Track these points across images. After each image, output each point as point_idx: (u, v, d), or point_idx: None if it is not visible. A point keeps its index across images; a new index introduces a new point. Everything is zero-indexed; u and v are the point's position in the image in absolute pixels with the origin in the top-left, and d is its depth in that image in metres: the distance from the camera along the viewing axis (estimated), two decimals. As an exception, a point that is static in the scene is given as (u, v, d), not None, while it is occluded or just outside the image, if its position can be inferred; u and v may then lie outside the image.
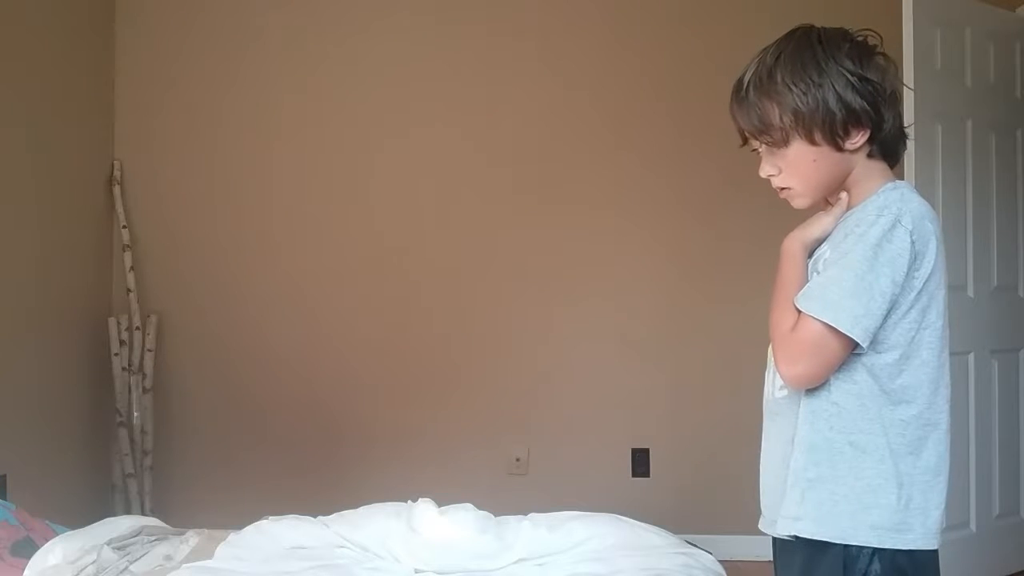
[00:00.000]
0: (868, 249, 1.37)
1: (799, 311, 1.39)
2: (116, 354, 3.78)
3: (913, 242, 1.40)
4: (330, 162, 3.94)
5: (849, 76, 1.43)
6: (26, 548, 2.23)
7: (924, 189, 3.15)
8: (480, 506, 2.37)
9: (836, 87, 1.43)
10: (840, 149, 1.45)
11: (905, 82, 3.10)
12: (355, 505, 2.44)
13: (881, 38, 1.51)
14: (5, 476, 3.05)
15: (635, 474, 3.80)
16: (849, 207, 1.49)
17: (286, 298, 3.92)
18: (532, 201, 3.88)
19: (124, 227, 3.89)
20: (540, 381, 3.85)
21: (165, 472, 3.86)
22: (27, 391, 3.35)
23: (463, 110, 3.92)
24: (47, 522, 2.46)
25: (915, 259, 1.41)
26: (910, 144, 3.35)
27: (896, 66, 1.51)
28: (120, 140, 3.97)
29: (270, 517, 2.39)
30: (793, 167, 1.47)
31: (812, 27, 1.54)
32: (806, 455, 1.42)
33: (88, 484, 3.72)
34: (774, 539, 1.51)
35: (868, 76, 1.44)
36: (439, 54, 3.93)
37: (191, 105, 3.96)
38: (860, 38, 1.50)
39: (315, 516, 2.39)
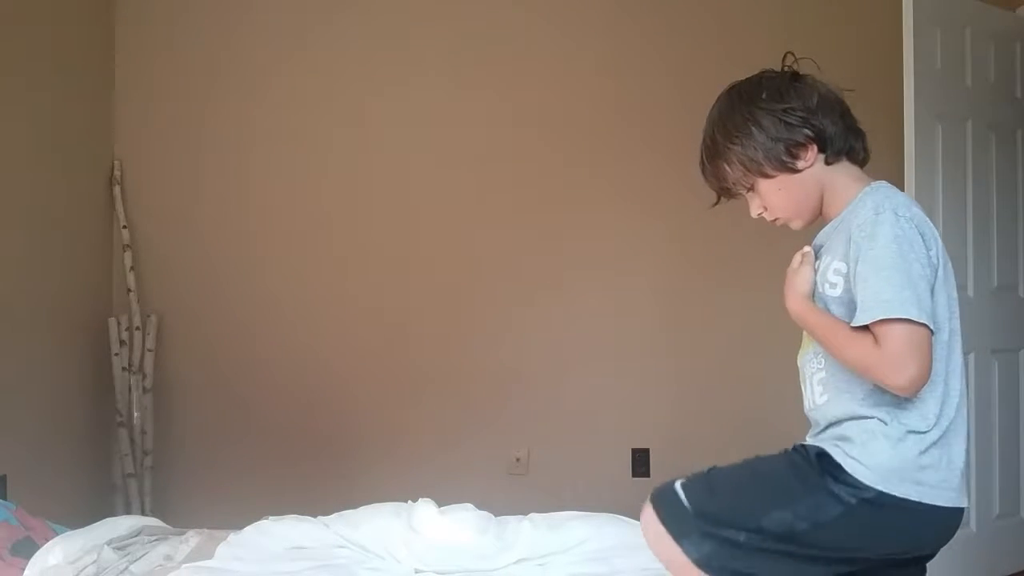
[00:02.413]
0: (890, 243, 1.48)
1: (868, 329, 1.46)
2: (116, 354, 3.78)
3: (916, 226, 1.51)
4: (330, 162, 3.94)
5: (772, 114, 1.62)
6: (26, 548, 2.23)
7: (924, 189, 3.15)
8: (480, 506, 2.37)
9: (765, 128, 1.62)
10: (797, 171, 1.62)
11: (905, 82, 3.12)
12: (355, 505, 2.44)
13: (796, 58, 1.70)
14: (5, 476, 3.05)
15: (635, 474, 3.80)
16: (832, 213, 1.63)
17: (286, 298, 3.91)
18: (532, 201, 3.88)
19: (124, 227, 3.89)
20: (540, 381, 3.85)
21: (165, 472, 3.86)
22: (27, 391, 3.35)
23: (463, 111, 3.91)
24: (47, 522, 2.46)
25: (925, 240, 1.51)
26: (910, 144, 3.36)
27: (813, 77, 1.68)
28: (120, 140, 3.97)
29: (270, 517, 2.39)
30: (770, 201, 1.67)
31: (731, 87, 1.73)
32: None
33: (88, 484, 3.72)
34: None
35: (789, 105, 1.62)
36: (439, 54, 3.93)
37: (191, 105, 3.96)
38: (774, 75, 1.68)
39: (315, 516, 2.39)
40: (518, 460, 3.85)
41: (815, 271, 1.61)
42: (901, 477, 1.49)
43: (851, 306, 1.52)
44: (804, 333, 1.66)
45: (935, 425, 1.51)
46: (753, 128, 1.62)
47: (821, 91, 1.65)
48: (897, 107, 3.18)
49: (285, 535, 2.30)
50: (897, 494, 1.48)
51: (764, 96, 1.64)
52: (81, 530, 2.33)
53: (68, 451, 3.62)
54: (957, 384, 1.55)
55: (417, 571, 2.18)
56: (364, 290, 3.91)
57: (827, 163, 1.63)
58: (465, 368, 3.87)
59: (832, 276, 1.55)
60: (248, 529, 2.32)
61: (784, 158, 1.61)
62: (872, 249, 1.48)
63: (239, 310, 3.92)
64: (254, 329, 3.91)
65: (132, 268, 3.87)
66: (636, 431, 3.83)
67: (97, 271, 3.86)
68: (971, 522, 3.27)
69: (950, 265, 1.57)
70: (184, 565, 2.16)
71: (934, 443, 1.51)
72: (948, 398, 1.53)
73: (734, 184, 1.68)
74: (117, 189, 3.92)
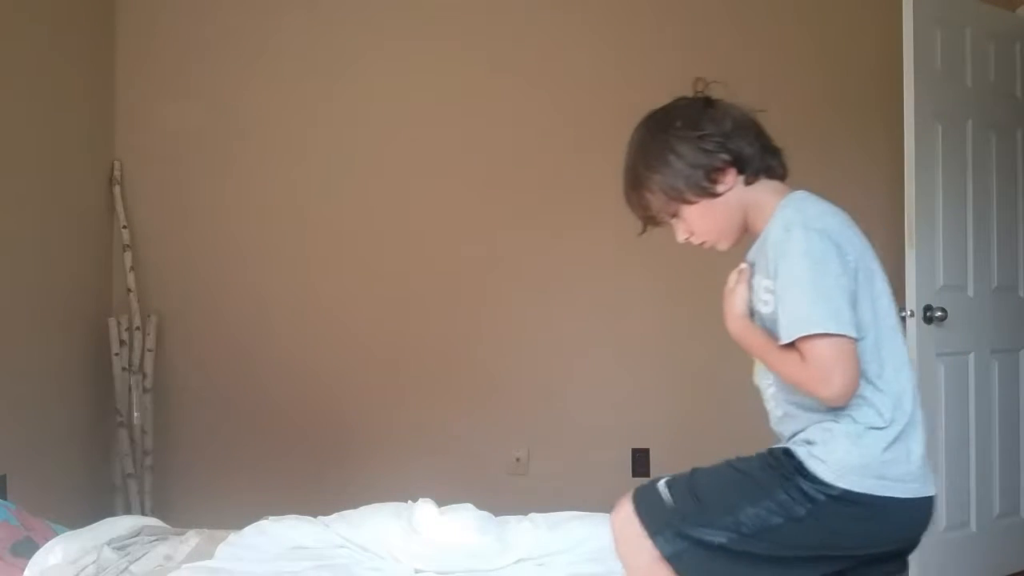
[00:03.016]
0: (800, 259, 1.52)
1: (794, 347, 1.51)
2: (116, 354, 3.78)
3: (829, 236, 1.54)
4: (331, 162, 3.94)
5: (688, 141, 1.64)
6: (26, 548, 2.23)
7: (924, 189, 3.16)
8: (480, 506, 2.37)
9: (683, 156, 1.64)
10: (718, 195, 1.65)
11: (905, 82, 3.12)
12: (355, 505, 2.44)
13: (706, 83, 1.73)
14: (5, 476, 3.05)
15: (635, 474, 3.79)
16: (759, 229, 1.65)
17: (286, 298, 3.91)
18: (533, 204, 3.88)
19: (124, 227, 3.89)
20: (540, 381, 3.85)
21: (165, 472, 3.86)
22: (27, 391, 3.35)
23: (464, 113, 3.91)
24: (47, 522, 2.46)
25: (839, 248, 1.54)
26: (910, 144, 3.36)
27: (724, 101, 1.71)
28: (120, 140, 3.97)
29: (270, 517, 2.38)
30: (695, 226, 1.70)
31: (647, 116, 1.75)
32: None
33: (88, 484, 3.72)
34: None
35: (704, 131, 1.65)
36: (439, 55, 3.92)
37: (191, 105, 3.96)
38: (687, 102, 1.72)
39: (315, 516, 2.39)
40: (518, 460, 3.85)
41: (751, 288, 1.65)
42: (863, 473, 1.52)
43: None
44: None
45: (893, 421, 1.54)
46: (671, 157, 1.65)
47: (734, 115, 1.69)
48: (897, 107, 3.18)
49: (285, 535, 2.30)
50: (861, 490, 1.51)
51: (679, 124, 1.67)
52: (81, 530, 2.33)
53: (68, 451, 3.62)
54: (906, 378, 1.59)
55: (417, 571, 2.18)
56: (364, 290, 3.91)
57: (747, 183, 1.67)
58: (465, 368, 3.87)
59: (763, 294, 1.60)
60: (248, 529, 2.32)
61: (704, 184, 1.64)
62: (784, 267, 1.53)
63: (239, 310, 3.92)
64: (254, 329, 3.91)
65: (132, 268, 3.87)
66: (636, 431, 3.82)
67: (97, 271, 3.86)
68: (971, 522, 3.27)
69: (877, 265, 1.61)
70: (184, 565, 2.16)
71: (896, 438, 1.54)
72: (902, 393, 1.56)
73: (658, 212, 1.70)
74: (117, 189, 3.92)
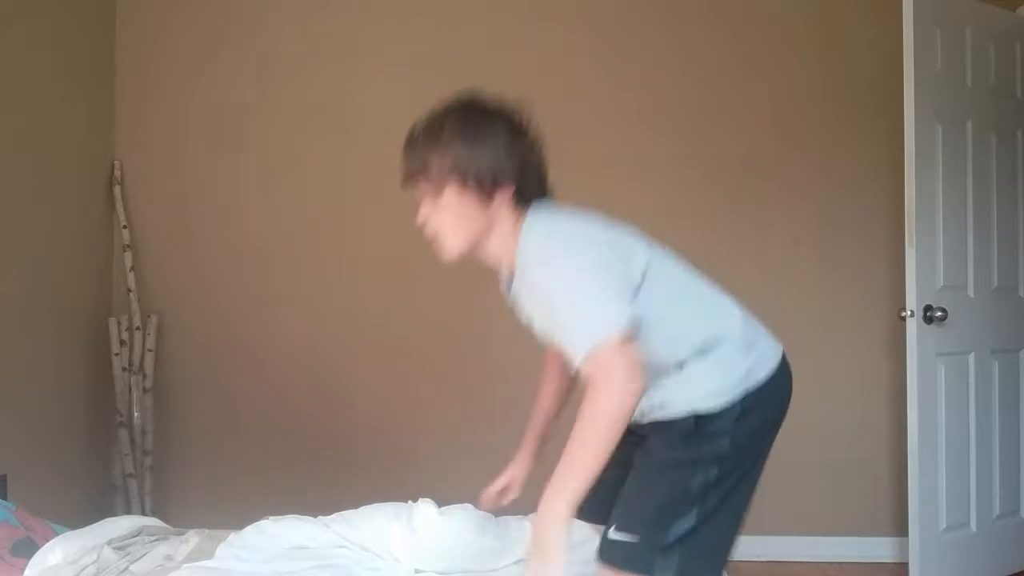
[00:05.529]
0: (556, 273, 1.57)
1: (584, 368, 1.52)
2: (116, 354, 3.78)
3: (573, 238, 1.61)
4: (331, 162, 3.94)
5: (503, 143, 1.66)
6: (27, 548, 2.23)
7: (924, 189, 3.16)
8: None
9: (492, 149, 1.65)
10: (487, 203, 1.66)
11: (905, 82, 3.12)
12: (355, 505, 2.44)
13: (530, 115, 1.74)
14: (5, 476, 3.05)
15: (635, 474, 3.80)
16: (509, 258, 1.71)
17: (286, 298, 3.92)
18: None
19: (124, 227, 3.89)
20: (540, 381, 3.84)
21: (165, 472, 3.86)
22: (27, 391, 3.35)
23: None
24: (47, 522, 2.46)
25: (593, 242, 1.61)
26: (910, 144, 3.36)
27: (539, 140, 1.74)
28: (120, 140, 3.97)
29: (270, 517, 2.39)
30: (444, 214, 1.68)
31: (479, 98, 1.73)
32: None
33: (88, 484, 3.72)
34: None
35: (517, 146, 1.68)
36: (439, 54, 3.92)
37: (191, 105, 3.96)
38: (514, 114, 1.72)
39: (315, 516, 2.39)
40: (518, 460, 3.84)
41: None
42: (733, 380, 1.66)
43: None
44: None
45: (708, 339, 1.67)
46: (489, 141, 1.65)
47: (538, 148, 1.72)
48: (897, 107, 3.19)
49: (285, 535, 2.30)
50: (744, 390, 1.66)
51: (502, 125, 1.68)
52: (81, 530, 2.33)
53: (68, 451, 3.62)
54: (700, 297, 1.74)
55: (417, 571, 2.18)
56: (363, 290, 3.91)
57: (513, 208, 1.68)
58: (465, 368, 3.87)
59: (529, 311, 1.70)
60: (248, 529, 2.32)
61: (488, 184, 1.64)
62: (544, 285, 1.60)
63: (239, 310, 3.92)
64: (254, 329, 3.91)
65: (132, 268, 3.87)
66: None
67: (97, 271, 3.86)
68: (971, 522, 3.28)
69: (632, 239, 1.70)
70: (184, 565, 2.16)
71: (718, 344, 1.67)
72: (698, 312, 1.71)
73: (428, 177, 1.66)
74: (117, 189, 3.92)
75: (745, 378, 1.68)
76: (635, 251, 1.67)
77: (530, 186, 1.68)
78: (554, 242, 1.62)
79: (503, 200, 1.66)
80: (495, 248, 1.72)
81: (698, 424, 1.65)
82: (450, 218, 1.68)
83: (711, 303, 1.75)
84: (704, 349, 1.67)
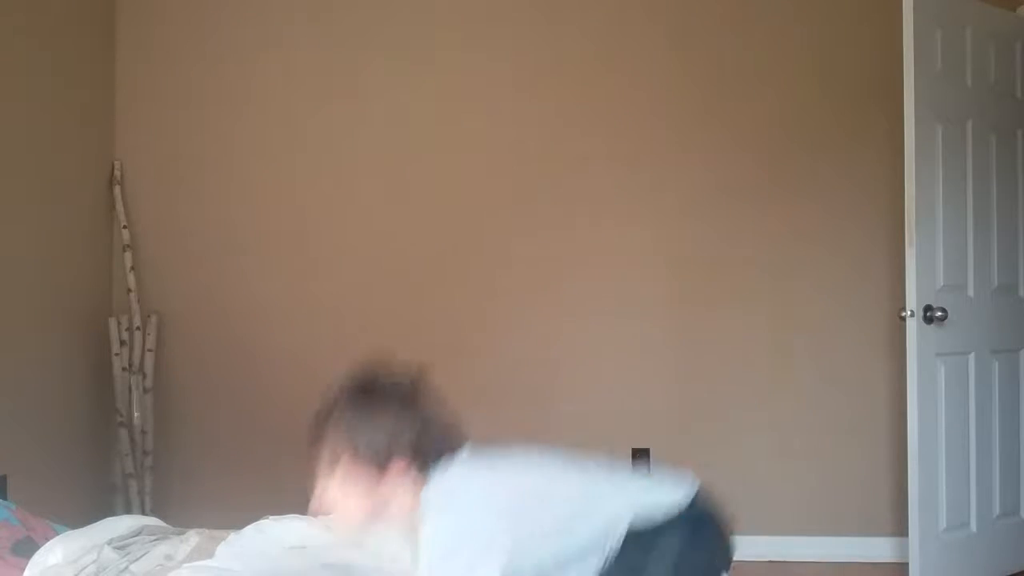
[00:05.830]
0: (439, 538, 1.61)
1: None
2: (116, 354, 3.78)
3: (466, 515, 1.64)
4: (331, 162, 3.94)
5: (393, 418, 1.71)
6: (27, 548, 2.23)
7: (924, 189, 3.16)
8: (480, 506, 2.36)
9: (383, 426, 1.70)
10: (381, 476, 1.69)
11: (905, 82, 3.12)
12: (355, 505, 2.44)
13: (427, 381, 1.83)
14: (5, 476, 3.05)
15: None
16: (409, 522, 1.71)
17: (286, 298, 3.91)
18: (534, 204, 3.88)
19: (124, 227, 3.89)
20: (540, 381, 3.85)
21: (165, 472, 3.86)
22: (27, 391, 3.35)
23: (466, 111, 3.91)
24: (47, 522, 2.46)
25: (487, 499, 1.68)
26: (910, 144, 3.35)
27: (436, 406, 1.80)
28: (120, 140, 3.97)
29: (270, 517, 2.38)
30: (343, 490, 1.71)
31: (375, 376, 1.80)
32: None
33: (88, 484, 3.72)
34: None
35: (409, 423, 1.72)
36: (439, 54, 3.92)
37: (191, 105, 3.96)
38: (406, 390, 1.79)
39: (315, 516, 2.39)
40: (518, 460, 3.84)
41: None
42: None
43: None
44: None
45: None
46: (379, 419, 1.70)
47: (435, 415, 1.78)
48: (897, 107, 3.18)
49: (285, 535, 2.30)
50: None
51: (394, 400, 1.75)
52: (81, 530, 2.33)
53: (68, 451, 3.62)
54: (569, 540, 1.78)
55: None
56: (363, 290, 3.91)
57: (413, 477, 1.70)
58: (464, 367, 3.86)
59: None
60: (248, 529, 2.32)
61: (382, 459, 1.68)
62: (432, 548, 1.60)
63: (239, 310, 3.92)
64: (254, 329, 3.91)
65: (132, 268, 3.87)
66: (636, 431, 3.82)
67: (97, 271, 3.86)
68: (971, 522, 3.28)
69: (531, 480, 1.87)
70: (184, 565, 2.15)
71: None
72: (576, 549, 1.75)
73: (325, 450, 1.71)
74: (117, 189, 3.92)
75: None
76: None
77: (429, 453, 1.72)
78: (444, 512, 1.64)
79: (399, 475, 1.70)
80: (395, 518, 1.75)
81: None
82: (345, 491, 1.72)
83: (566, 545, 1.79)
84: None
